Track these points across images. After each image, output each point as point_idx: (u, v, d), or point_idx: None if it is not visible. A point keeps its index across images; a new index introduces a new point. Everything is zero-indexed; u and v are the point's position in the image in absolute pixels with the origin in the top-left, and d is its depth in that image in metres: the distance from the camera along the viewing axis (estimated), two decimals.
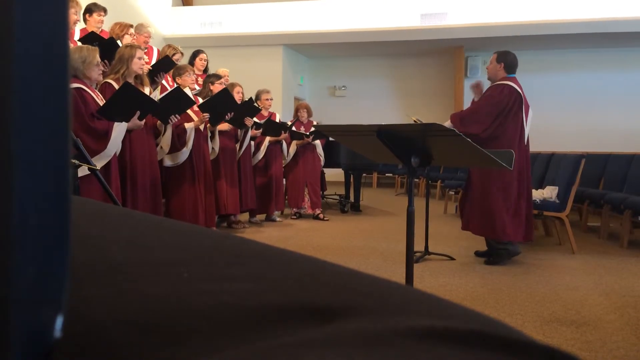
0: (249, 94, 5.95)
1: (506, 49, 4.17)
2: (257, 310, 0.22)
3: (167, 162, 4.43)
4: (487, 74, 4.13)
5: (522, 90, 3.97)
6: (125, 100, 3.51)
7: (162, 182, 4.32)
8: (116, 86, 3.70)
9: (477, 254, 4.20)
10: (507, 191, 3.88)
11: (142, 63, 3.95)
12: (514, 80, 4.00)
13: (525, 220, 3.94)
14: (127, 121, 3.56)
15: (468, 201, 4.14)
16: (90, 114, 3.41)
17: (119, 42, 4.73)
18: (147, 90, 4.09)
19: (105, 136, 3.45)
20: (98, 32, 4.88)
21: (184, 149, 4.43)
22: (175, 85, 4.55)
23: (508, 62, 4.02)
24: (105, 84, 3.79)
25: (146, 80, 4.19)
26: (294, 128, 6.15)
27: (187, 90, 4.52)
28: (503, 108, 3.88)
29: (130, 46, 3.95)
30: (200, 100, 4.70)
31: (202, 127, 4.63)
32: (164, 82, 4.93)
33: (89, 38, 4.65)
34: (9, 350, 0.18)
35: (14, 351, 0.18)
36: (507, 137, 3.89)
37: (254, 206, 5.67)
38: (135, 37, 5.16)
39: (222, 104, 4.62)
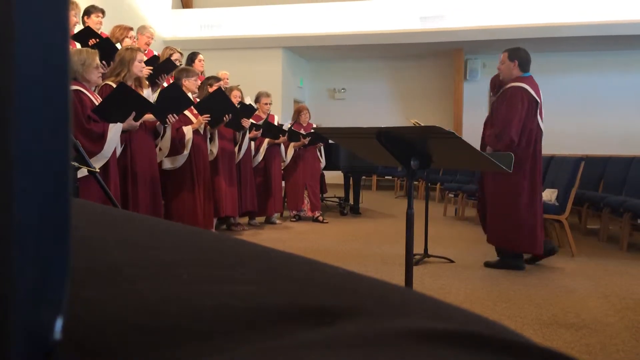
0: (250, 96, 5.95)
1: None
2: (256, 311, 0.22)
3: (167, 165, 4.43)
4: (501, 75, 3.90)
5: (537, 91, 3.79)
6: (121, 101, 3.52)
7: (162, 184, 4.31)
8: None
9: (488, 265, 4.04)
10: (535, 201, 3.73)
11: (142, 66, 3.95)
12: (530, 79, 3.81)
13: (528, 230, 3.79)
14: (122, 122, 3.56)
15: (486, 212, 3.98)
16: (87, 116, 3.42)
17: (118, 45, 4.74)
18: (145, 93, 4.08)
19: (101, 138, 3.46)
20: (95, 31, 4.89)
21: (185, 151, 4.43)
22: (172, 82, 4.54)
23: (521, 58, 3.82)
24: (105, 85, 3.80)
25: (145, 82, 4.19)
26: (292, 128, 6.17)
27: (189, 95, 4.51)
28: (524, 110, 3.72)
29: (131, 49, 3.95)
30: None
31: (201, 129, 4.63)
32: (165, 84, 4.93)
33: (84, 33, 4.66)
34: (10, 351, 0.18)
35: (14, 352, 0.18)
36: (525, 141, 3.74)
37: (255, 208, 5.67)
38: (135, 40, 5.17)
39: (218, 104, 4.62)
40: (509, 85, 3.84)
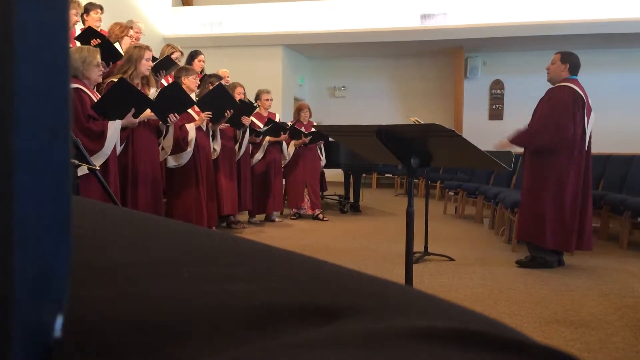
0: (249, 94, 5.95)
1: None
2: (257, 310, 0.22)
3: (171, 163, 4.42)
4: (548, 75, 3.93)
5: (584, 93, 3.80)
6: (121, 97, 3.51)
7: (164, 182, 4.31)
8: None
9: (519, 263, 4.01)
10: (558, 197, 3.72)
11: (150, 65, 3.93)
12: (576, 82, 3.84)
13: (579, 229, 3.77)
14: (121, 118, 3.55)
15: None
16: (87, 115, 3.41)
17: (117, 44, 4.73)
18: (152, 91, 4.07)
19: (101, 136, 3.46)
20: (97, 31, 4.89)
21: (188, 148, 4.43)
22: (173, 81, 4.53)
23: (573, 62, 3.87)
24: (111, 82, 3.78)
25: (152, 81, 4.18)
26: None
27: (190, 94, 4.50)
28: (566, 110, 3.72)
29: (139, 47, 3.93)
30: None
31: (203, 126, 4.62)
32: (163, 81, 4.92)
33: (87, 33, 4.65)
34: (10, 350, 0.18)
35: (14, 350, 0.18)
36: (566, 141, 3.73)
37: (251, 207, 5.68)
38: (134, 40, 5.15)
39: (219, 100, 4.61)
40: (556, 85, 3.87)
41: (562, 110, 3.73)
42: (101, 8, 5.14)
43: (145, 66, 3.86)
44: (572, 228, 3.75)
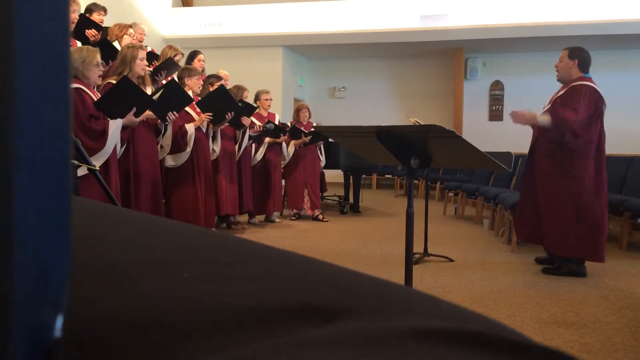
0: (249, 94, 5.96)
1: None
2: (257, 310, 0.22)
3: (170, 163, 4.42)
4: (558, 74, 3.71)
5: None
6: (123, 96, 3.51)
7: (163, 182, 4.31)
8: None
9: (538, 260, 3.95)
10: (584, 207, 3.48)
11: (145, 64, 3.92)
12: (591, 81, 3.61)
13: (600, 237, 3.53)
14: (122, 117, 3.55)
15: (533, 211, 3.73)
16: (88, 114, 3.41)
17: (116, 43, 4.74)
18: (148, 90, 4.07)
19: (102, 135, 3.46)
20: (92, 20, 4.89)
21: (187, 149, 4.43)
22: (170, 79, 4.52)
23: (582, 59, 3.64)
24: (108, 84, 3.78)
25: (148, 80, 4.18)
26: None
27: (190, 93, 4.49)
28: (595, 111, 3.49)
29: (133, 47, 3.91)
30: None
31: (203, 127, 4.62)
32: (163, 82, 4.92)
33: (81, 22, 4.64)
34: (10, 350, 0.18)
35: (14, 350, 0.18)
36: (592, 143, 3.49)
37: (252, 208, 5.68)
38: (134, 37, 5.16)
39: (220, 102, 4.60)
40: (576, 83, 3.61)
41: (593, 106, 3.49)
42: (105, 10, 5.13)
43: (140, 66, 3.84)
44: (597, 236, 3.51)
